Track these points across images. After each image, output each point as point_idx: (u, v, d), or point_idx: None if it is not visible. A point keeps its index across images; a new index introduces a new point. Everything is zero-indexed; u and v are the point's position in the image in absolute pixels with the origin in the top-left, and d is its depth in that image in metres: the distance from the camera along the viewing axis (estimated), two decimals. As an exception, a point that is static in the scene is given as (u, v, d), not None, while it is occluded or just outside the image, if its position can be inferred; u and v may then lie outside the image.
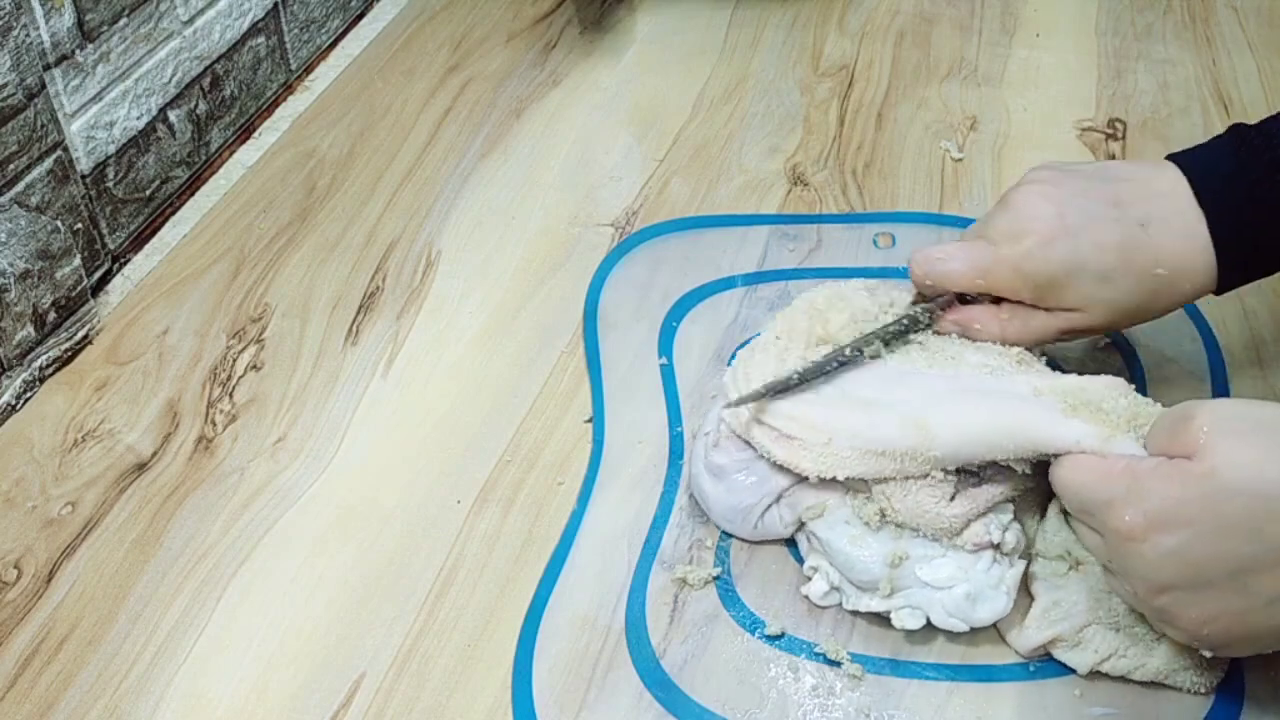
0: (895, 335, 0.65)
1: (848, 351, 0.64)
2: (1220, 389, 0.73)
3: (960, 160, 0.92)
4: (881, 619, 0.60)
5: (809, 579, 0.62)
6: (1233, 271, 0.62)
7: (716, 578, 0.63)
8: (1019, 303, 0.64)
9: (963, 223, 0.85)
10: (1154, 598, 0.53)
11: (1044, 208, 0.62)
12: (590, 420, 0.72)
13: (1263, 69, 1.01)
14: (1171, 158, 0.64)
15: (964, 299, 0.66)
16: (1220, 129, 0.94)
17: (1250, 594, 0.50)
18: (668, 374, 0.75)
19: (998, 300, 0.65)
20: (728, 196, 0.89)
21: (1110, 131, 0.95)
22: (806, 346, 0.65)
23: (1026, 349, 0.65)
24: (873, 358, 0.64)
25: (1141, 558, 0.51)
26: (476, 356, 0.77)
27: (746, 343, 0.76)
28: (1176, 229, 0.61)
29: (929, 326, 0.66)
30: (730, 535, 0.65)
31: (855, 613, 0.61)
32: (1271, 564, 0.49)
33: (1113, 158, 0.92)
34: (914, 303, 0.68)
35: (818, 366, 0.63)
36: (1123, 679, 0.58)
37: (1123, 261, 0.61)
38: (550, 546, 0.65)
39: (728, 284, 0.81)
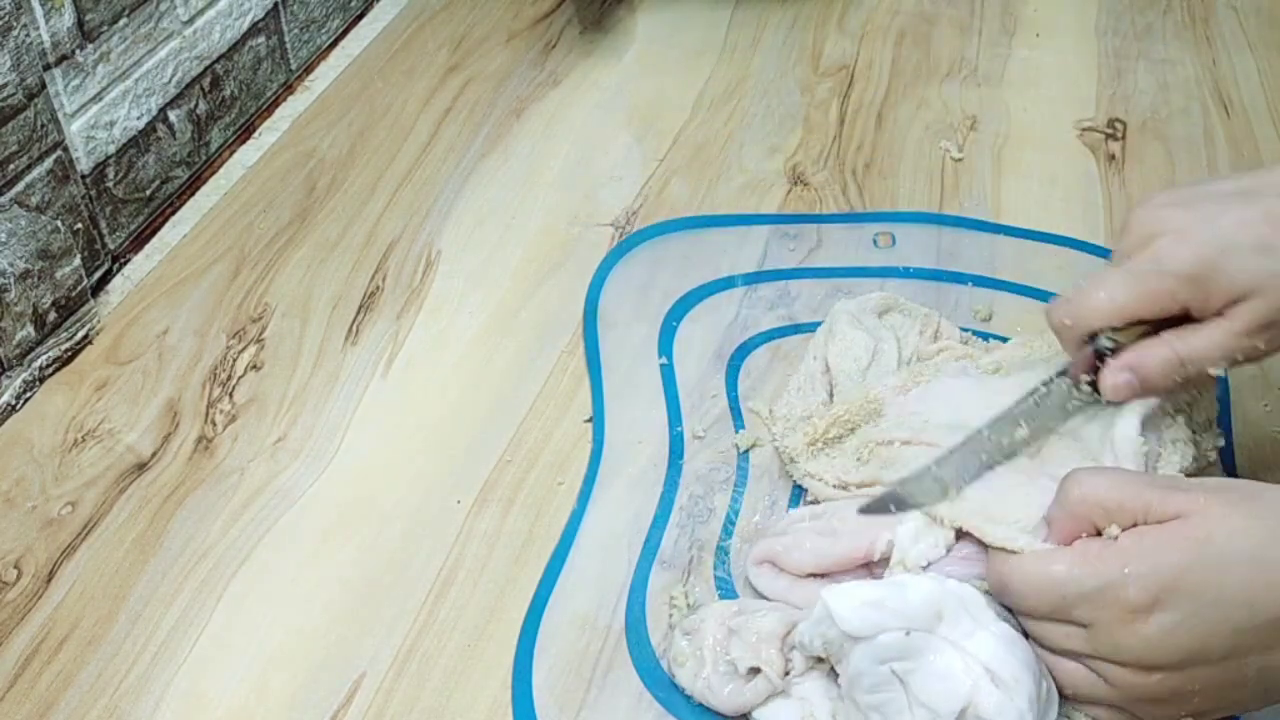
0: (1044, 417, 0.58)
1: (986, 453, 0.57)
2: (1221, 388, 0.73)
3: (960, 160, 0.92)
4: None
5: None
6: None
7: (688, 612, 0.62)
8: (1182, 321, 0.55)
9: (962, 222, 0.85)
10: (1143, 681, 0.49)
11: (1166, 214, 0.56)
12: (590, 420, 0.72)
13: (1263, 69, 1.01)
14: None
15: (1099, 354, 0.57)
16: (1220, 129, 0.95)
17: (1243, 667, 0.48)
18: (668, 374, 0.75)
19: (1157, 330, 0.56)
20: (728, 196, 0.89)
21: (1110, 131, 0.95)
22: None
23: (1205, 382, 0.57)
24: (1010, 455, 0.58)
25: (1142, 638, 0.48)
26: (476, 356, 0.77)
27: (747, 343, 0.76)
28: None
29: (1081, 391, 0.58)
30: (729, 536, 0.65)
31: None
32: (1265, 637, 0.47)
33: (1113, 158, 0.92)
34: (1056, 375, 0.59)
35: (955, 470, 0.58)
36: None
37: (1273, 228, 0.53)
38: (550, 546, 0.65)
39: (728, 284, 0.81)
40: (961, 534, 0.57)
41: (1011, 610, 0.54)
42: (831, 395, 0.69)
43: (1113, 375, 0.56)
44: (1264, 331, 0.54)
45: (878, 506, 0.59)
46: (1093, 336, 0.56)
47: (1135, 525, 0.50)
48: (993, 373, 0.64)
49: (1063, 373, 0.59)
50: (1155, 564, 0.48)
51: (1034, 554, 0.52)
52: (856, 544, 0.58)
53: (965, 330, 0.75)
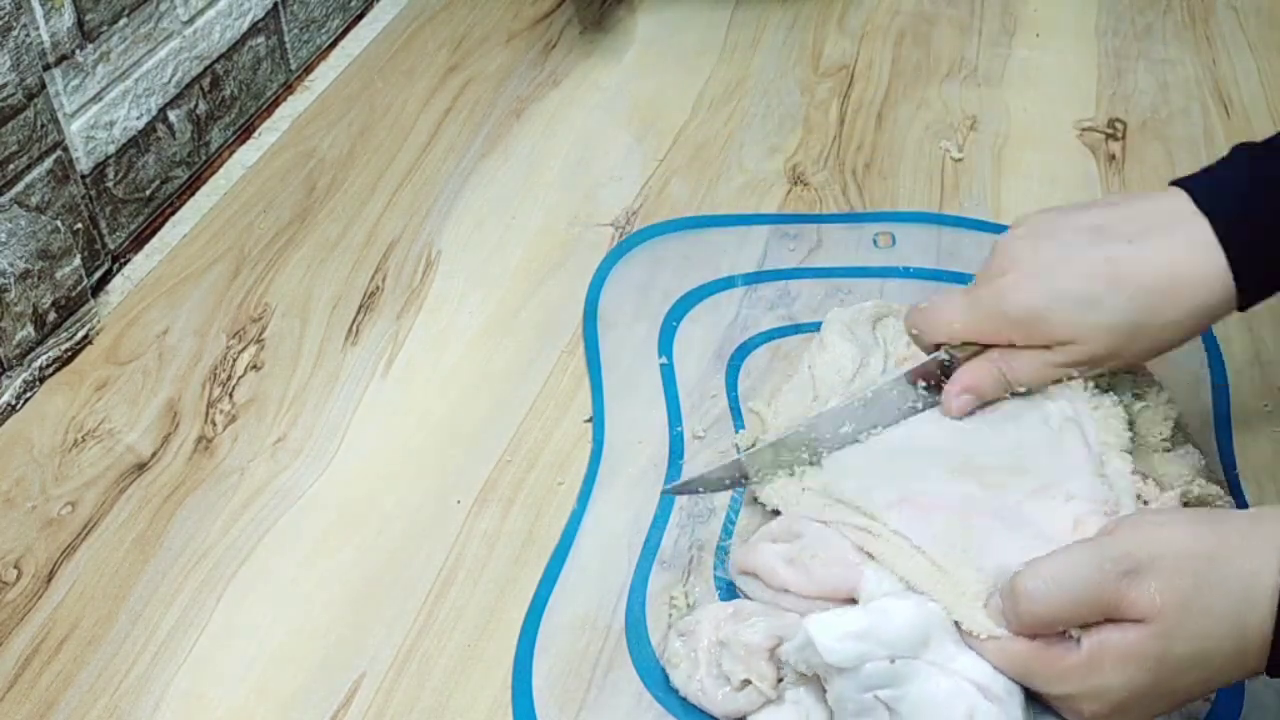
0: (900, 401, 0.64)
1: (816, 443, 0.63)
2: (1220, 389, 0.73)
3: (960, 160, 0.92)
4: None
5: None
6: (1251, 275, 0.57)
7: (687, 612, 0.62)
8: (1011, 347, 0.62)
9: (962, 222, 0.86)
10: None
11: (1020, 247, 0.61)
12: (590, 420, 0.72)
13: (1263, 69, 1.01)
14: (1173, 182, 0.61)
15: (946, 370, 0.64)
16: (1220, 129, 0.95)
17: (1182, 700, 0.52)
18: (668, 374, 0.75)
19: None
20: (728, 196, 0.89)
21: (1110, 131, 0.95)
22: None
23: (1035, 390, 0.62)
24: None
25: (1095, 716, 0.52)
26: (476, 356, 0.77)
27: (747, 343, 0.76)
28: (1175, 239, 0.58)
29: (918, 392, 0.64)
30: (730, 536, 0.65)
31: None
32: (1208, 685, 0.51)
33: (1113, 158, 0.92)
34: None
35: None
36: None
37: (1108, 282, 0.58)
38: (550, 546, 0.65)
39: (728, 284, 0.81)
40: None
41: None
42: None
43: (954, 399, 0.63)
44: (1078, 366, 0.61)
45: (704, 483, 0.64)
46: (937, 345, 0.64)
47: (1096, 625, 0.51)
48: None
49: (900, 382, 0.65)
50: (1118, 685, 0.50)
51: (1000, 645, 0.53)
52: (834, 586, 0.57)
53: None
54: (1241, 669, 0.50)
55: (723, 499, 0.67)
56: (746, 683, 0.56)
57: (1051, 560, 0.51)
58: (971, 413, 0.63)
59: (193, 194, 0.89)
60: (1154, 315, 0.59)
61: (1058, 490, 0.59)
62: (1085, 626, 0.50)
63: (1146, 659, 0.49)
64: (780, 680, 0.56)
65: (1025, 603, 0.51)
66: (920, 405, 0.64)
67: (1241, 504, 0.67)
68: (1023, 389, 0.62)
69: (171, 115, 0.86)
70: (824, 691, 0.54)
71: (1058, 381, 0.62)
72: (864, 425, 0.64)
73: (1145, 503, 0.59)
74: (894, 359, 0.70)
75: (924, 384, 0.64)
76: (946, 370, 0.63)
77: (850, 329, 0.71)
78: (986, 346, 0.62)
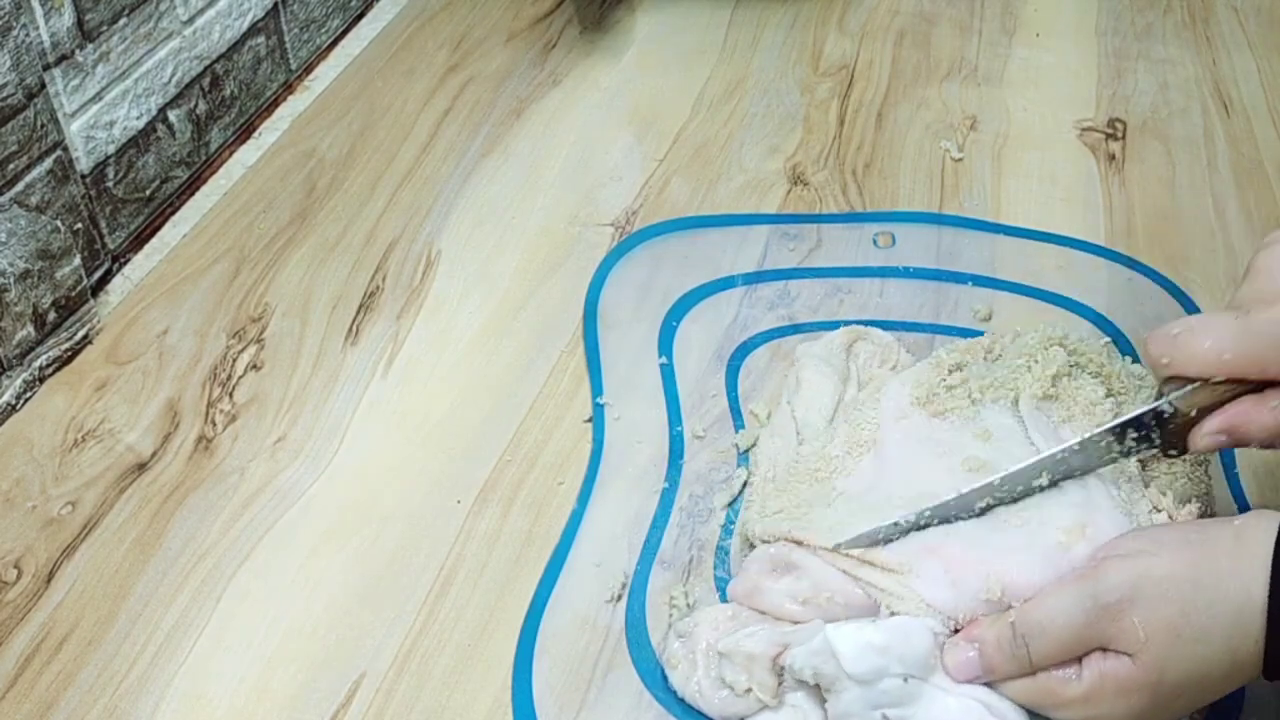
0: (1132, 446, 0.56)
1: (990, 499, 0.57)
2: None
3: (960, 160, 0.92)
4: None
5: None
6: None
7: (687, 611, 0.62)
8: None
9: (962, 222, 0.85)
10: None
11: None
12: (590, 420, 0.72)
13: (1263, 69, 1.01)
14: None
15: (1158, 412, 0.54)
16: (1220, 129, 0.95)
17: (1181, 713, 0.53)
18: (668, 374, 0.75)
19: (1261, 389, 0.53)
20: (728, 196, 0.89)
21: (1110, 131, 0.95)
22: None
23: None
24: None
25: None
26: (476, 356, 0.77)
27: (747, 343, 0.76)
28: None
29: (1166, 429, 0.55)
30: (729, 536, 0.65)
31: None
32: (1205, 700, 0.52)
33: (1113, 158, 0.92)
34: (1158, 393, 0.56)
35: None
36: None
37: None
38: (550, 546, 0.65)
39: (728, 284, 0.81)
40: None
41: None
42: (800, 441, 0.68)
43: (1206, 437, 0.54)
44: None
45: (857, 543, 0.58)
46: (1173, 381, 0.54)
47: (1097, 652, 0.52)
48: (981, 437, 0.62)
49: (1105, 438, 0.57)
50: (1118, 710, 0.51)
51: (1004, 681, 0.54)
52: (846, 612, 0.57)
53: (964, 331, 0.75)
54: (1238, 682, 0.51)
55: (722, 499, 0.67)
56: (748, 690, 0.56)
57: (1041, 604, 0.52)
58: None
59: (193, 194, 0.89)
60: None
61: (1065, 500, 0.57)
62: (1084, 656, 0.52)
63: (1143, 688, 0.50)
64: (780, 685, 0.56)
65: (1020, 648, 0.52)
66: (1115, 456, 0.57)
67: (1243, 506, 0.67)
68: None
69: (171, 115, 0.86)
70: (822, 698, 0.54)
71: None
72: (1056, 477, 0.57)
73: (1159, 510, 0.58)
74: (864, 379, 0.69)
75: (1133, 435, 0.56)
76: (1162, 422, 0.55)
77: (825, 361, 0.70)
78: (1223, 401, 0.53)
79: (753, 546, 0.61)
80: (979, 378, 0.64)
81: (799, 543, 0.58)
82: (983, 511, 0.57)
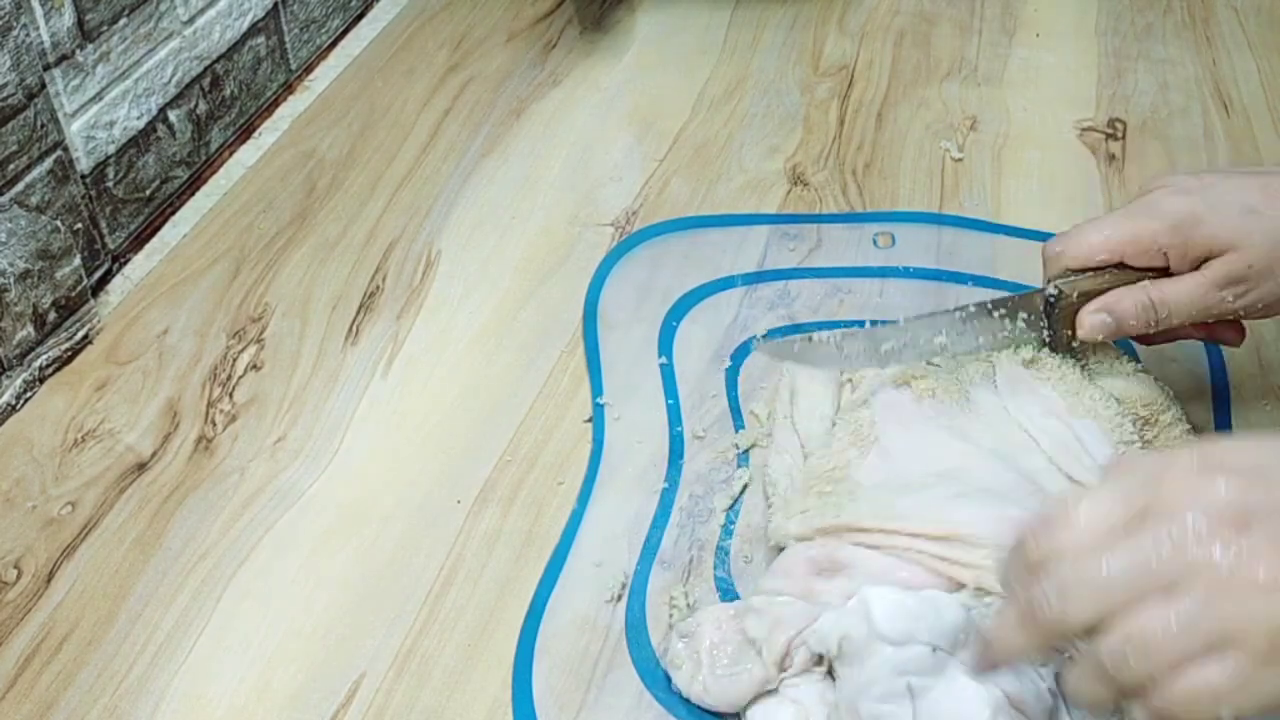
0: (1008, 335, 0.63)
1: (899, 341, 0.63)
2: (1220, 389, 0.73)
3: (960, 160, 0.92)
4: None
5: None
6: None
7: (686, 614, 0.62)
8: (1163, 273, 0.60)
9: (962, 222, 0.86)
10: None
11: (1175, 176, 0.62)
12: (590, 420, 0.72)
13: (1263, 69, 1.01)
14: None
15: (1048, 301, 0.63)
16: (1220, 129, 0.95)
17: None
18: (668, 374, 0.75)
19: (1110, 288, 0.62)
20: (728, 196, 0.89)
21: (1110, 131, 0.95)
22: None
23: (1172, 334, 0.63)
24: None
25: None
26: (476, 356, 0.77)
27: (747, 343, 0.76)
28: None
29: (1054, 314, 0.63)
30: (729, 536, 0.65)
31: None
32: None
33: (1113, 158, 0.92)
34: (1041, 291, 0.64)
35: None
36: None
37: (1266, 196, 0.58)
38: (550, 546, 0.65)
39: (728, 284, 0.81)
40: None
41: None
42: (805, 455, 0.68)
43: (1089, 316, 0.61)
44: (1234, 285, 0.59)
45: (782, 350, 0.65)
46: (1063, 274, 0.62)
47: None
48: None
49: (997, 308, 0.64)
50: None
51: None
52: None
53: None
54: None
55: (723, 500, 0.67)
56: (758, 654, 0.56)
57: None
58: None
59: (193, 194, 0.89)
60: None
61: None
62: None
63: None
64: (785, 669, 0.56)
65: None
66: (1009, 336, 0.64)
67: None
68: (1173, 320, 0.60)
69: (171, 115, 0.86)
70: (824, 689, 0.54)
71: (1204, 323, 0.61)
72: (959, 345, 0.63)
73: None
74: (855, 379, 0.69)
75: (1024, 316, 0.63)
76: (1050, 308, 0.61)
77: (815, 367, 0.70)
78: (1102, 290, 0.61)
79: (779, 550, 0.62)
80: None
81: (846, 530, 0.59)
82: (887, 356, 0.64)
